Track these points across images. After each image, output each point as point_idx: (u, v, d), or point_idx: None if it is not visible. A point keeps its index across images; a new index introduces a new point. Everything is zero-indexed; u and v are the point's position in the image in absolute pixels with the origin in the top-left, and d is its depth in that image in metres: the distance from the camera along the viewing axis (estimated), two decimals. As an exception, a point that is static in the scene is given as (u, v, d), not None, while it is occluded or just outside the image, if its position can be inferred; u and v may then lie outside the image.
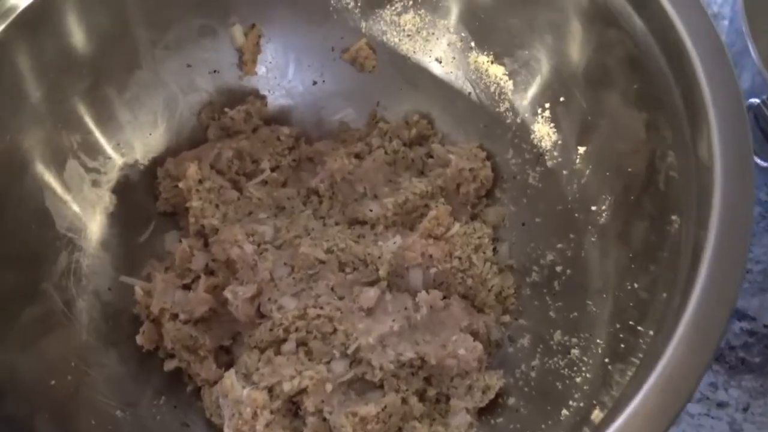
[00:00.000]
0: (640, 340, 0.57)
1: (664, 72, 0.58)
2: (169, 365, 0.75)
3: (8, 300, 0.67)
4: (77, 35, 0.71)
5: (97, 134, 0.77)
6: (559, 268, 0.73)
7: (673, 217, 0.58)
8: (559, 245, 0.73)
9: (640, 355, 0.56)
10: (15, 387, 0.64)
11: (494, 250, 0.78)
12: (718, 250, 0.51)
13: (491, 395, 0.70)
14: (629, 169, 0.65)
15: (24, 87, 0.69)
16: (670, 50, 0.57)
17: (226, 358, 0.76)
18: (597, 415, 0.55)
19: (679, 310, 0.50)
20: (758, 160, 0.69)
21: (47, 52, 0.69)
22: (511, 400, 0.70)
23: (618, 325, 0.62)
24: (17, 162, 0.70)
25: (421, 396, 0.71)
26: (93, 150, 0.77)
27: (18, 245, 0.69)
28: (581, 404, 0.61)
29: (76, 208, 0.75)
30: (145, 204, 0.81)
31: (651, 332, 0.56)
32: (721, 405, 0.73)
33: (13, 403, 0.63)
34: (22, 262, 0.69)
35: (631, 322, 0.60)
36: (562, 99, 0.73)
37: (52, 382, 0.67)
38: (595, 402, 0.58)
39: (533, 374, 0.70)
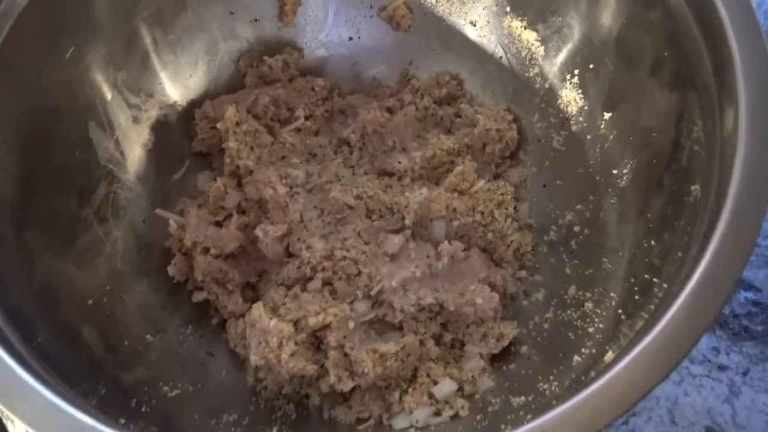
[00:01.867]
0: (655, 290, 0.59)
1: (696, 41, 0.61)
2: (198, 297, 0.78)
3: (64, 219, 0.71)
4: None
5: (141, 72, 0.80)
6: (576, 228, 0.76)
7: (693, 187, 0.60)
8: (578, 206, 0.76)
9: (652, 307, 0.59)
10: (68, 297, 0.67)
11: (515, 208, 0.81)
12: (734, 219, 0.53)
13: (505, 343, 0.73)
14: (653, 134, 0.68)
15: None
16: (704, 20, 0.60)
17: (251, 294, 0.79)
18: (609, 356, 0.58)
19: (692, 269, 0.53)
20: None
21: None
22: (524, 349, 0.73)
23: (633, 280, 0.65)
24: (75, 79, 0.72)
25: (438, 340, 0.74)
26: (135, 87, 0.79)
27: (63, 169, 0.72)
28: (593, 351, 0.64)
29: (116, 141, 0.78)
30: (181, 144, 0.85)
31: (665, 285, 0.59)
32: (722, 368, 0.76)
33: (66, 310, 0.66)
34: (65, 185, 0.72)
35: (646, 276, 0.62)
36: (591, 66, 0.75)
37: (90, 302, 0.70)
38: (607, 347, 0.61)
39: (546, 326, 0.73)
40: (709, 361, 0.77)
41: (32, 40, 0.67)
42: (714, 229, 0.53)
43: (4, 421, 0.77)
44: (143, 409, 0.64)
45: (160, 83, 0.82)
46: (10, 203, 0.65)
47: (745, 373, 0.76)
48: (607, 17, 0.72)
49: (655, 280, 0.60)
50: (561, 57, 0.79)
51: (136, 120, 0.80)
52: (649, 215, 0.67)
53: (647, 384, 0.48)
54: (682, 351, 0.50)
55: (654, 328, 0.50)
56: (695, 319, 0.50)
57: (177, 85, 0.83)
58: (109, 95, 0.76)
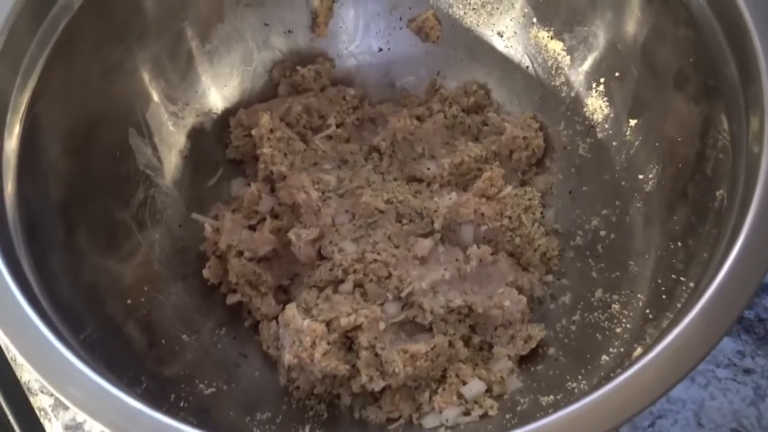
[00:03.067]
0: (681, 290, 0.61)
1: (721, 46, 0.62)
2: (232, 299, 0.80)
3: (107, 222, 0.74)
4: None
5: (181, 80, 0.83)
6: (603, 233, 0.77)
7: (719, 192, 0.62)
8: (604, 211, 0.78)
9: (678, 305, 0.60)
10: (112, 296, 0.70)
11: (541, 214, 0.82)
12: (759, 222, 0.54)
13: (532, 344, 0.74)
14: (679, 139, 0.69)
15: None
16: (729, 24, 0.61)
17: (284, 297, 0.81)
18: (638, 352, 0.59)
19: (716, 271, 0.54)
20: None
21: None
22: (551, 350, 0.74)
23: (659, 281, 0.66)
24: (120, 84, 0.76)
25: (466, 342, 0.76)
26: (175, 95, 0.82)
27: (105, 173, 0.75)
28: (621, 350, 0.66)
29: (154, 147, 0.81)
30: (216, 151, 0.87)
31: (691, 284, 0.60)
32: (747, 371, 0.77)
33: (111, 305, 0.69)
34: (108, 188, 0.75)
35: (673, 276, 0.64)
36: (617, 74, 0.77)
37: (129, 301, 0.72)
38: (635, 345, 0.62)
39: (573, 328, 0.74)
40: (735, 364, 0.77)
41: (85, 41, 0.70)
42: (739, 233, 0.54)
43: (42, 420, 0.79)
44: (181, 404, 0.66)
45: (197, 91, 0.85)
46: (61, 204, 0.68)
47: (770, 377, 0.77)
48: (632, 25, 0.74)
49: (682, 279, 0.62)
50: (586, 66, 0.81)
51: (174, 127, 0.83)
52: (675, 217, 0.68)
53: (668, 381, 0.50)
54: (704, 350, 0.51)
55: (676, 327, 0.52)
56: (718, 320, 0.52)
57: (213, 94, 0.86)
58: (150, 101, 0.79)
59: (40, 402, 0.79)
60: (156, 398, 0.63)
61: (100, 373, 0.52)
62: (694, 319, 0.51)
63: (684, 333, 0.51)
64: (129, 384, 0.59)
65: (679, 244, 0.66)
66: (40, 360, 0.52)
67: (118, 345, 0.67)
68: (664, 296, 0.64)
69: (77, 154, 0.71)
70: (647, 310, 0.66)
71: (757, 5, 0.59)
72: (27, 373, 0.80)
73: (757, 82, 0.58)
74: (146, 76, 0.78)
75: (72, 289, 0.65)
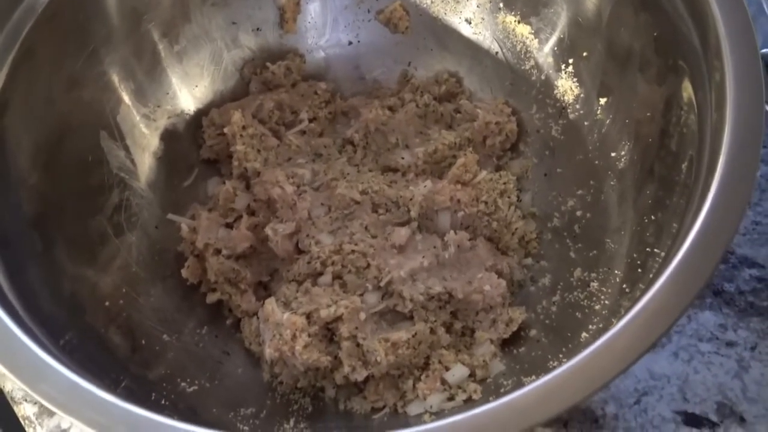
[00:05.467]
0: (653, 261, 0.61)
1: (683, 17, 0.63)
2: (212, 297, 0.80)
3: (83, 228, 0.74)
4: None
5: (151, 81, 0.82)
6: (579, 213, 0.78)
7: (684, 165, 0.62)
8: (580, 192, 0.78)
9: (650, 276, 0.59)
10: (93, 300, 0.70)
11: (518, 198, 0.82)
12: (724, 186, 0.54)
13: (514, 327, 0.74)
14: (648, 114, 0.70)
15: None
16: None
17: (264, 293, 0.80)
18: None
19: (684, 238, 0.54)
20: (768, 108, 0.73)
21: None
22: (533, 332, 0.74)
23: (635, 255, 0.66)
24: (88, 88, 0.76)
25: (448, 328, 0.76)
26: (145, 97, 0.82)
27: (78, 179, 0.75)
28: (600, 326, 0.66)
29: (127, 150, 0.80)
30: (190, 151, 0.87)
31: (663, 253, 0.60)
32: (730, 344, 0.77)
33: (91, 315, 0.69)
34: (82, 194, 0.75)
35: (647, 250, 0.64)
36: (584, 54, 0.78)
37: (106, 303, 0.72)
38: (613, 320, 0.62)
39: (554, 308, 0.74)
40: (717, 338, 0.78)
41: (49, 45, 0.70)
42: (704, 201, 0.54)
43: (27, 429, 0.78)
44: (163, 402, 0.66)
45: (168, 92, 0.84)
46: (36, 218, 0.68)
47: (753, 348, 0.77)
48: (594, 1, 0.74)
49: (655, 251, 0.62)
50: (555, 47, 0.81)
51: (146, 129, 0.83)
52: (648, 192, 0.68)
53: (639, 348, 0.50)
54: (672, 317, 0.51)
55: (645, 296, 0.52)
56: (686, 286, 0.52)
57: (184, 95, 0.86)
58: (120, 104, 0.79)
59: (24, 411, 0.78)
60: (136, 397, 0.62)
61: (74, 371, 0.52)
62: (663, 287, 0.51)
63: (653, 301, 0.51)
64: (108, 386, 0.59)
65: (652, 217, 0.66)
66: (13, 360, 0.52)
67: (99, 349, 0.66)
68: (639, 270, 0.64)
69: (48, 165, 0.70)
70: (624, 285, 0.66)
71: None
72: (10, 383, 0.79)
73: (717, 47, 0.59)
74: (115, 79, 0.78)
75: (52, 300, 0.65)
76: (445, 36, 0.88)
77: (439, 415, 0.70)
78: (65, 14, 0.71)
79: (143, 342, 0.73)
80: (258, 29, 0.88)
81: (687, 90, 0.63)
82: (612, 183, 0.74)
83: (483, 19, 0.86)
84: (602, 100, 0.76)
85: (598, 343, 0.51)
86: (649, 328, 0.51)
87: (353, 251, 0.76)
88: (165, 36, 0.82)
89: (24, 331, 0.54)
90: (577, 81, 0.79)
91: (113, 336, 0.69)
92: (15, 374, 0.51)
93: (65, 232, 0.71)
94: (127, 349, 0.70)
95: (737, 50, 0.58)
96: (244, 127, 0.82)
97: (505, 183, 0.81)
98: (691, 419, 0.73)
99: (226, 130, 0.82)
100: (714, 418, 0.73)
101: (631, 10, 0.70)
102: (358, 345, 0.72)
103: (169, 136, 0.85)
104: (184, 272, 0.79)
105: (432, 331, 0.74)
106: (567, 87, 0.80)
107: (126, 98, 0.80)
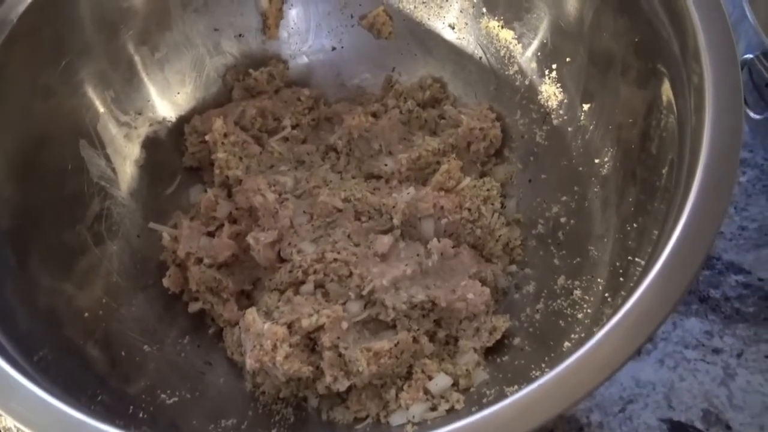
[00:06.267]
0: (634, 269, 0.61)
1: (663, 22, 0.62)
2: (194, 307, 0.79)
3: (61, 238, 0.73)
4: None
5: (130, 90, 0.82)
6: (563, 219, 0.77)
7: (664, 170, 0.62)
8: (564, 198, 0.77)
9: (631, 284, 0.59)
10: (70, 313, 0.70)
11: (502, 205, 0.82)
12: (703, 191, 0.54)
13: (497, 336, 0.74)
14: (630, 120, 0.69)
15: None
16: (668, 2, 0.61)
17: (246, 302, 0.80)
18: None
19: (665, 245, 0.54)
20: (751, 113, 0.73)
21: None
22: (516, 340, 0.73)
23: (618, 263, 0.66)
24: (65, 98, 0.75)
25: (431, 337, 0.75)
26: (125, 105, 0.81)
27: (57, 188, 0.74)
28: (582, 335, 0.65)
29: (107, 158, 0.80)
30: (172, 159, 0.86)
31: (642, 262, 0.60)
32: (716, 351, 0.76)
33: (69, 328, 0.68)
34: (61, 203, 0.74)
35: (629, 258, 0.63)
36: (568, 59, 0.77)
37: (85, 315, 0.71)
38: (594, 329, 0.62)
39: (537, 316, 0.74)
40: (703, 345, 0.77)
41: (23, 57, 0.69)
42: (685, 203, 0.54)
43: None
44: (141, 415, 0.65)
45: (149, 100, 0.84)
46: (10, 231, 0.67)
47: (739, 355, 0.76)
48: (577, 9, 0.74)
49: (637, 259, 0.61)
50: (538, 52, 0.80)
51: (126, 137, 0.82)
52: (630, 199, 0.68)
53: (621, 357, 0.50)
54: (655, 323, 0.51)
55: (626, 304, 0.52)
56: (667, 292, 0.51)
57: (166, 102, 0.85)
58: (99, 114, 0.79)
59: (5, 422, 0.78)
60: (113, 412, 0.62)
61: (46, 389, 0.52)
62: (643, 295, 0.51)
63: (634, 309, 0.51)
64: (84, 402, 0.58)
65: (634, 225, 0.65)
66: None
67: (76, 364, 0.66)
68: (621, 278, 0.63)
69: (24, 176, 0.70)
70: (606, 293, 0.65)
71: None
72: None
73: (696, 52, 0.59)
74: (92, 90, 0.78)
75: (27, 315, 0.65)
76: (428, 41, 0.87)
77: (421, 425, 0.69)
78: (40, 26, 0.70)
79: (123, 354, 0.72)
80: (240, 35, 0.88)
81: (667, 93, 0.63)
82: (596, 189, 0.74)
83: (466, 24, 0.85)
84: (585, 106, 0.76)
85: (580, 353, 0.51)
86: (631, 336, 0.51)
87: (335, 260, 0.75)
88: (144, 44, 0.81)
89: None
90: (561, 86, 0.79)
91: (92, 349, 0.68)
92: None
93: (41, 245, 0.70)
94: (106, 362, 0.69)
95: (716, 54, 0.58)
96: (225, 135, 0.81)
97: (488, 190, 0.81)
98: (676, 427, 0.73)
99: (207, 137, 0.81)
100: (700, 425, 0.73)
101: (611, 16, 0.70)
102: (340, 355, 0.71)
103: (150, 144, 0.84)
104: (165, 281, 0.78)
105: (415, 340, 0.73)
106: (551, 92, 0.80)
107: (104, 108, 0.79)
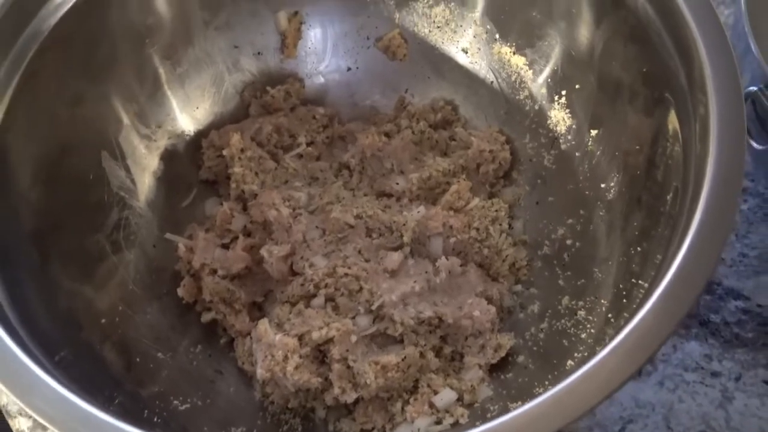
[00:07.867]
0: (637, 292, 0.63)
1: (671, 54, 0.65)
2: (206, 317, 0.81)
3: (81, 244, 0.75)
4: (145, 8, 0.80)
5: (153, 103, 0.84)
6: (569, 242, 0.79)
7: (668, 196, 0.64)
8: (570, 221, 0.79)
9: (634, 306, 0.61)
10: (89, 316, 0.72)
11: (509, 226, 0.84)
12: (706, 218, 0.56)
13: (502, 353, 0.75)
14: (636, 147, 0.71)
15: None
16: (676, 34, 0.64)
17: (258, 313, 0.82)
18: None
19: (668, 268, 0.55)
20: (754, 143, 0.75)
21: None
22: (521, 358, 0.75)
23: (621, 285, 0.68)
24: (91, 109, 0.78)
25: (438, 353, 0.77)
26: (147, 118, 0.84)
27: (79, 197, 0.76)
28: (585, 354, 0.67)
29: (127, 170, 0.82)
30: (189, 172, 0.89)
31: (645, 285, 0.62)
32: (715, 374, 0.78)
33: (87, 331, 0.70)
34: (82, 211, 0.76)
35: (633, 281, 0.65)
36: (577, 86, 0.79)
37: (103, 321, 0.73)
38: (597, 349, 0.63)
39: (541, 335, 0.75)
40: (702, 368, 0.79)
41: (53, 67, 0.72)
42: (688, 229, 0.56)
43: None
44: (155, 419, 0.67)
45: (170, 114, 0.86)
46: (34, 234, 0.70)
47: (737, 379, 0.78)
48: (588, 38, 0.76)
49: (640, 282, 0.63)
50: (548, 79, 0.83)
51: (146, 149, 0.84)
52: (635, 223, 0.70)
53: (621, 377, 0.51)
54: (656, 345, 0.52)
55: (628, 326, 0.53)
56: (669, 315, 0.53)
57: (185, 116, 0.88)
58: (121, 126, 0.81)
59: (19, 425, 0.80)
60: (129, 414, 0.64)
61: (66, 386, 0.54)
62: (645, 317, 0.53)
63: (636, 330, 0.53)
64: (102, 402, 0.60)
65: (638, 249, 0.67)
66: (7, 373, 0.53)
67: (94, 365, 0.68)
68: (624, 300, 0.65)
69: (49, 182, 0.72)
70: (609, 314, 0.67)
71: (702, 19, 0.61)
72: (5, 396, 0.81)
73: (702, 83, 0.61)
74: (117, 102, 0.80)
75: (48, 316, 0.67)
76: (441, 64, 0.90)
77: (426, 439, 0.71)
78: (71, 38, 0.73)
79: (138, 360, 0.74)
80: (259, 53, 0.90)
81: (673, 122, 0.65)
82: (601, 213, 0.76)
83: (479, 49, 0.87)
84: (593, 132, 0.78)
85: (582, 371, 0.52)
86: (632, 356, 0.52)
87: (346, 274, 0.77)
88: (167, 59, 0.84)
89: (19, 346, 0.56)
90: (570, 112, 0.81)
91: (108, 353, 0.70)
92: (8, 387, 0.52)
93: (63, 249, 0.72)
94: (122, 366, 0.71)
95: (721, 86, 0.60)
96: (242, 150, 0.83)
97: (497, 210, 0.83)
98: (674, 448, 0.75)
99: (224, 152, 0.83)
100: (697, 447, 0.75)
101: (621, 45, 0.72)
102: (348, 367, 0.73)
103: (169, 157, 0.86)
104: (180, 291, 0.80)
105: (421, 355, 0.75)
106: (560, 117, 0.82)
107: (127, 120, 0.81)
